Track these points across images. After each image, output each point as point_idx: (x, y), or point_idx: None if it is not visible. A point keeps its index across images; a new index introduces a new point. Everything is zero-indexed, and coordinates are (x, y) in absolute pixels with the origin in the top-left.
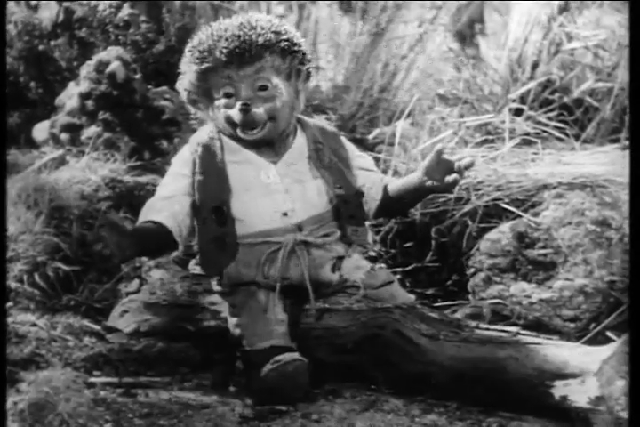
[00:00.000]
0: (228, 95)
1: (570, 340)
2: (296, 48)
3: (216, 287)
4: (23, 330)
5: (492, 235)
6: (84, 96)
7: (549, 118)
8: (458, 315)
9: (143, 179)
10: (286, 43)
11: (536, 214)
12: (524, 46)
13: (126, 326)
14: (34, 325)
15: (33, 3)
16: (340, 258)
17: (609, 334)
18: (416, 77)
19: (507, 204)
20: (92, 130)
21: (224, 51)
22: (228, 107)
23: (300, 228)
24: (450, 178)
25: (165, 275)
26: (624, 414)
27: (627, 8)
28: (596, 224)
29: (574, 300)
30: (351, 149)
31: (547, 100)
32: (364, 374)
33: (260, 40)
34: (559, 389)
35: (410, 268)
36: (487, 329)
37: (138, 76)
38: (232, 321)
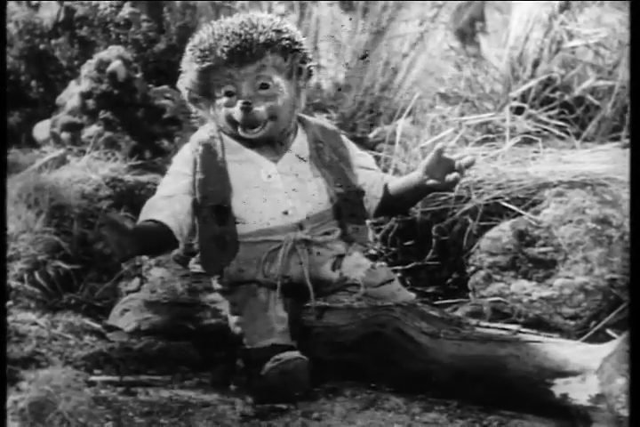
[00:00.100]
0: (229, 94)
1: (570, 338)
2: (297, 47)
3: (216, 286)
4: (24, 329)
5: (492, 233)
6: (85, 95)
7: (550, 117)
8: (458, 313)
9: (144, 178)
10: (287, 41)
11: (536, 213)
12: (524, 44)
13: (127, 325)
14: (34, 323)
15: (34, 2)
16: (341, 256)
17: (609, 331)
18: (417, 76)
19: (507, 202)
20: (92, 129)
21: (225, 49)
22: (228, 105)
23: (300, 226)
24: (450, 176)
25: (166, 273)
26: (624, 412)
27: (627, 6)
28: (596, 222)
29: (575, 298)
30: (352, 147)
31: (547, 99)
32: (364, 372)
33: (262, 39)
34: (560, 387)
35: (410, 266)
36: (487, 327)
37: (139, 75)
38: (232, 320)
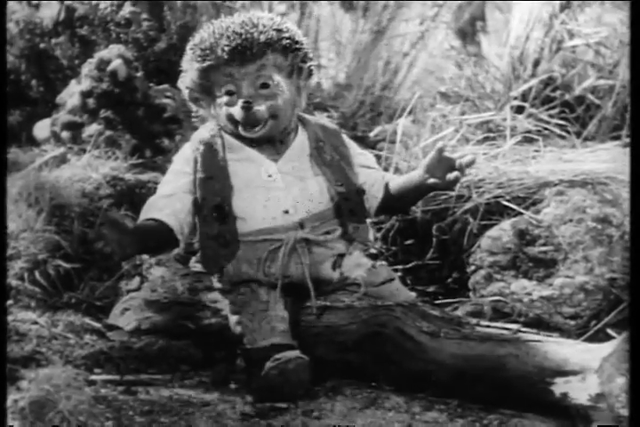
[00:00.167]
0: (229, 93)
1: (570, 337)
2: (298, 46)
3: (217, 285)
4: (24, 328)
5: (492, 232)
6: (86, 94)
7: (551, 116)
8: (458, 312)
9: (144, 177)
10: (288, 41)
11: (537, 212)
12: (525, 44)
13: (127, 324)
14: (35, 322)
15: (34, 1)
16: (341, 256)
17: (609, 331)
18: (417, 75)
19: (508, 201)
20: (93, 128)
21: (226, 49)
22: (229, 105)
23: (301, 225)
24: (451, 175)
25: (166, 272)
26: (624, 412)
27: (628, 6)
28: (596, 221)
29: (575, 297)
30: (352, 146)
31: (548, 98)
32: (364, 371)
33: (262, 38)
34: (559, 386)
35: (411, 265)
36: (488, 327)
37: (139, 74)
38: (233, 319)
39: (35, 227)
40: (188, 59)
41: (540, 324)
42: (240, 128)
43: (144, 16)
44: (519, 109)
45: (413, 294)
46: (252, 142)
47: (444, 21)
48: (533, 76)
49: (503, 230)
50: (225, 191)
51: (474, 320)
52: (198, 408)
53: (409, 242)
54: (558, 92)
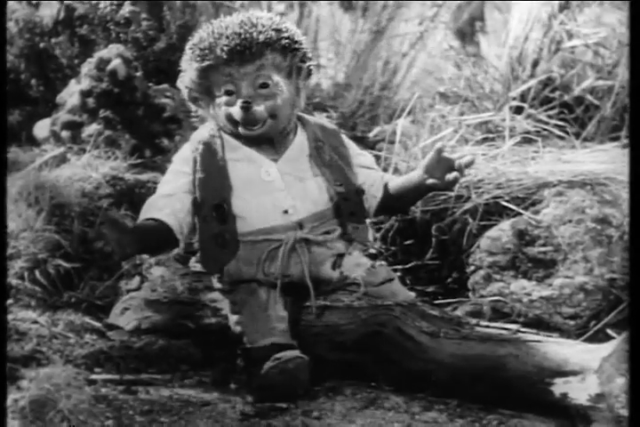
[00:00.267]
0: (228, 93)
1: (570, 337)
2: (297, 46)
3: (217, 285)
4: (24, 327)
5: (492, 233)
6: (85, 94)
7: (550, 116)
8: (458, 312)
9: (144, 176)
10: (287, 40)
11: (536, 212)
12: (524, 44)
13: (127, 324)
14: (35, 322)
15: (34, 1)
16: (341, 255)
17: (609, 331)
18: (416, 75)
19: (507, 202)
20: (92, 128)
21: (225, 48)
22: (228, 104)
23: (300, 225)
24: (450, 176)
25: (166, 272)
26: (624, 412)
27: (627, 6)
28: (596, 222)
29: (574, 297)
30: (352, 146)
31: (547, 98)
32: (364, 371)
33: (261, 38)
34: (559, 386)
35: (410, 265)
36: (487, 327)
37: (139, 73)
38: (233, 318)
39: (35, 226)
40: (187, 58)
41: (539, 324)
42: (240, 128)
43: (143, 16)
44: (518, 110)
45: (413, 294)
46: (251, 142)
47: (443, 21)
48: (532, 76)
49: (502, 231)
50: (224, 191)
51: (473, 320)
52: (198, 408)
53: (408, 242)
54: (557, 93)
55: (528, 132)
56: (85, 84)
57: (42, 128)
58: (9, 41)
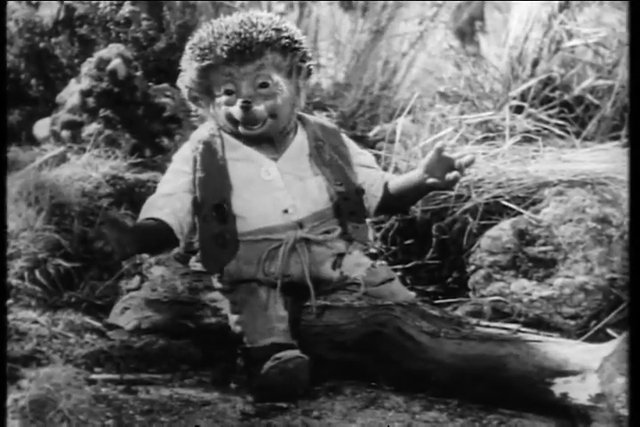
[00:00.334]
0: (228, 92)
1: (570, 337)
2: (297, 45)
3: (217, 284)
4: (24, 327)
5: (492, 232)
6: (85, 93)
7: (550, 116)
8: (458, 312)
9: (144, 176)
10: (287, 40)
11: (536, 212)
12: (524, 44)
13: (127, 323)
14: (35, 322)
15: (34, 1)
16: (341, 255)
17: (609, 331)
18: (416, 75)
19: (507, 201)
20: (92, 127)
21: (225, 48)
22: (228, 104)
23: (300, 225)
24: (450, 175)
25: (166, 272)
26: (624, 412)
27: (627, 6)
28: (596, 221)
29: (575, 297)
30: (352, 146)
31: (547, 98)
32: (364, 371)
33: (261, 37)
34: (559, 386)
35: (410, 265)
36: (487, 326)
37: (139, 73)
38: (233, 318)
39: (35, 226)
40: (187, 58)
41: (539, 324)
42: (240, 127)
43: (143, 15)
44: (518, 109)
45: (413, 294)
46: (251, 142)
47: (442, 21)
48: (532, 76)
49: (503, 230)
50: (224, 191)
51: (474, 320)
52: (198, 408)
53: (409, 242)
54: (557, 93)
55: (528, 132)
56: (85, 83)
57: (42, 128)
58: (9, 41)
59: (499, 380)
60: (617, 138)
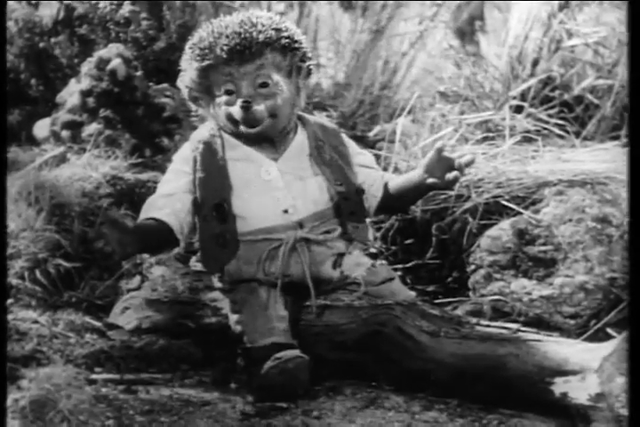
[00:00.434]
0: (228, 92)
1: (570, 337)
2: (297, 45)
3: (217, 284)
4: (24, 327)
5: (492, 232)
6: (85, 93)
7: (550, 115)
8: (458, 312)
9: (144, 176)
10: (287, 40)
11: (536, 211)
12: (524, 43)
13: (127, 323)
14: (35, 321)
15: (33, 1)
16: (341, 255)
17: (609, 330)
18: (416, 75)
19: (507, 201)
20: (92, 127)
21: (225, 48)
22: (228, 104)
23: (300, 225)
24: (450, 175)
25: (166, 272)
26: (624, 412)
27: (626, 5)
28: (596, 221)
29: (575, 297)
30: (352, 146)
31: (547, 98)
32: (364, 370)
33: (261, 37)
34: (559, 386)
35: (410, 265)
36: (488, 326)
37: (139, 73)
38: (233, 318)
39: (35, 226)
40: (187, 58)
41: (539, 323)
42: (240, 127)
43: (143, 15)
44: (518, 109)
45: (413, 294)
46: (251, 142)
47: (442, 21)
48: (532, 75)
49: (503, 230)
50: (224, 191)
51: (474, 320)
52: (198, 408)
53: (409, 241)
54: (557, 92)
55: (528, 132)
56: (85, 83)
57: (42, 128)
58: (9, 41)
59: (499, 379)
60: (617, 138)
